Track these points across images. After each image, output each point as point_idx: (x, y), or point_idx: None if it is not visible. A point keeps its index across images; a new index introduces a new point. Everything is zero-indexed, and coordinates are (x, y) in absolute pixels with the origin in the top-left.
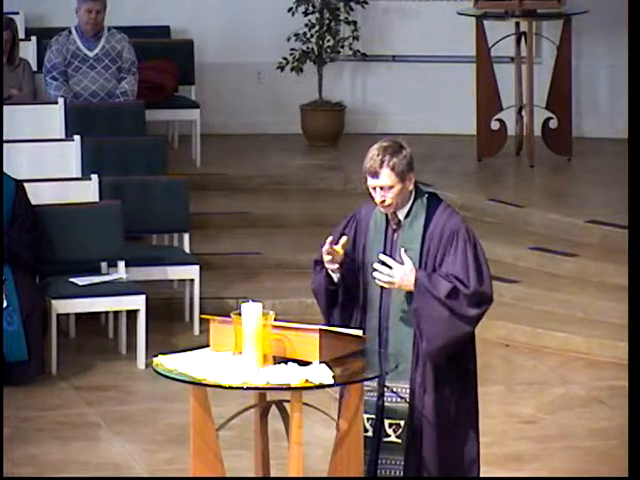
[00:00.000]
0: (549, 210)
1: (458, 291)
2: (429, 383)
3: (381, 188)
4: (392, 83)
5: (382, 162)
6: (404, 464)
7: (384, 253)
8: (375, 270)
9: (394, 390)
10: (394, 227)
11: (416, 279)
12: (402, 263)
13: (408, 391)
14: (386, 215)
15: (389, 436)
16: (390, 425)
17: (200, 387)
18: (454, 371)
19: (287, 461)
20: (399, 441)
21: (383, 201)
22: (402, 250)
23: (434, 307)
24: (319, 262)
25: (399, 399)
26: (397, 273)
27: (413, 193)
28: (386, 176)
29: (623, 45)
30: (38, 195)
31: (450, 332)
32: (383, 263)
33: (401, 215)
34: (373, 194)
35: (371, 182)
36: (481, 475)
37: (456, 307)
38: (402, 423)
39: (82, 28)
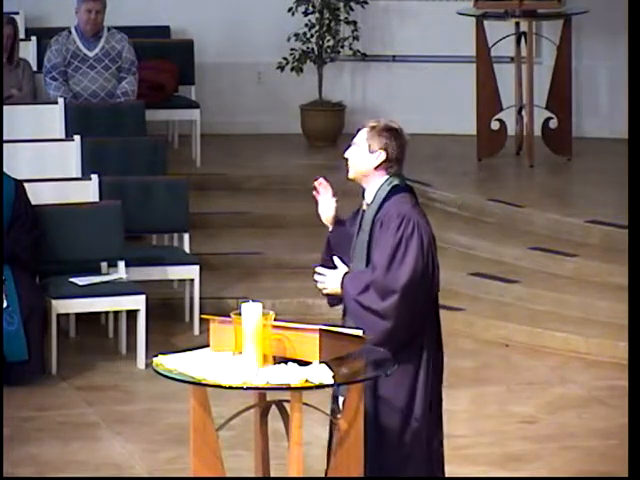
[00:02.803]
0: (549, 210)
1: (369, 286)
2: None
3: (354, 144)
4: (392, 83)
5: (367, 126)
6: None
7: (357, 233)
8: (318, 274)
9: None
10: (364, 208)
11: (342, 280)
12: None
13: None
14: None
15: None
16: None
17: (200, 387)
18: (397, 366)
19: (287, 461)
20: None
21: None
22: (335, 258)
23: (352, 305)
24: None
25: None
26: (328, 280)
27: (383, 179)
28: (361, 134)
29: (623, 45)
30: (38, 195)
31: (370, 329)
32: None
33: (368, 198)
34: None
35: None
36: (478, 475)
37: (367, 302)
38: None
39: (82, 28)
